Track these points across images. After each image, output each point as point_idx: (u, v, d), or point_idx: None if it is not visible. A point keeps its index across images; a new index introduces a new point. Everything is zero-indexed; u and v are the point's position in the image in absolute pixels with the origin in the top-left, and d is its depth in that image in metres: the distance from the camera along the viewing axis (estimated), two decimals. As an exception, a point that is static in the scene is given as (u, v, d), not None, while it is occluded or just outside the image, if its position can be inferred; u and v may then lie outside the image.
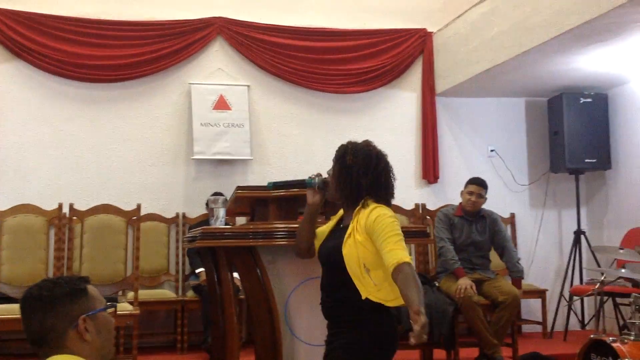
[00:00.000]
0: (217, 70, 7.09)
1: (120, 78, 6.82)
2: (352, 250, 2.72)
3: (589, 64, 6.30)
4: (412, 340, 2.34)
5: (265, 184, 3.38)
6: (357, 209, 2.80)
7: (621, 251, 5.44)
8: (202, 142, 6.84)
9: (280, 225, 3.28)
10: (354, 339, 2.75)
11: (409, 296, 2.45)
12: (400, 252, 2.58)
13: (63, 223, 5.91)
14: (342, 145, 2.91)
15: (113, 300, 5.08)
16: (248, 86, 7.08)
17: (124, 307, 5.05)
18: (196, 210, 6.77)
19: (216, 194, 6.31)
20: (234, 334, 3.39)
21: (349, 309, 2.78)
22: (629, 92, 7.08)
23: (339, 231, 2.90)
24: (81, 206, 5.87)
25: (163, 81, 6.96)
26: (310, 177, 3.00)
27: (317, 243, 3.03)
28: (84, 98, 6.77)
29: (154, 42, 6.88)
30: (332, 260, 2.84)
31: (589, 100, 7.15)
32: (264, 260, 3.28)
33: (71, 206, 5.62)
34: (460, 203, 5.70)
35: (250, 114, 7.02)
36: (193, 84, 6.95)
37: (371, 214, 2.73)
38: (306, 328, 3.29)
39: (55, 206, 5.98)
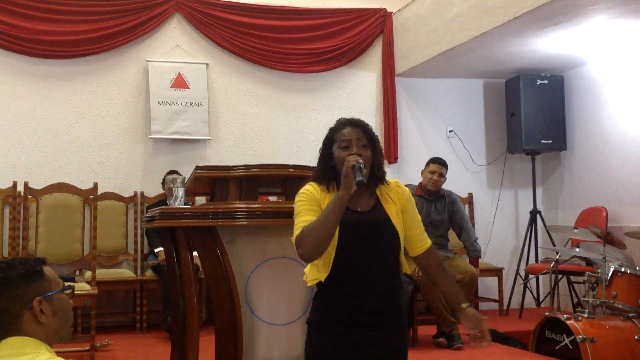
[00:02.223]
0: (175, 48, 6.99)
1: (76, 54, 6.69)
2: (400, 228, 2.48)
3: (546, 46, 6.38)
4: (483, 344, 2.53)
5: (223, 163, 3.36)
6: (379, 186, 2.52)
7: (575, 231, 5.56)
8: (159, 121, 6.76)
9: (240, 205, 3.27)
10: (404, 334, 2.61)
11: (456, 287, 2.63)
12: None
13: (18, 202, 5.79)
14: (365, 123, 2.53)
15: (70, 279, 5.02)
16: (207, 64, 7.01)
17: (82, 287, 4.99)
18: (154, 190, 6.71)
19: (171, 172, 6.26)
20: (194, 313, 3.38)
21: (395, 298, 2.51)
22: (584, 75, 7.19)
23: (359, 213, 2.46)
24: (36, 185, 5.76)
25: (120, 58, 6.85)
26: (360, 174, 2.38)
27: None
28: (39, 74, 6.62)
29: (110, 17, 6.75)
30: (391, 243, 2.44)
31: (546, 82, 7.25)
32: (224, 241, 3.26)
33: (26, 185, 5.51)
34: (420, 182, 5.75)
35: (209, 93, 6.96)
36: (150, 61, 6.85)
37: (402, 189, 2.55)
38: (266, 308, 3.30)
39: (10, 184, 5.86)
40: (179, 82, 6.85)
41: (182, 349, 3.64)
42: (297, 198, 2.47)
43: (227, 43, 7.05)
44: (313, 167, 3.49)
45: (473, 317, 2.55)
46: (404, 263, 2.50)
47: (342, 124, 2.52)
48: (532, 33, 5.97)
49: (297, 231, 2.37)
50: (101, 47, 6.73)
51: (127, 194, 6.70)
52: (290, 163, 3.63)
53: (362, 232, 2.41)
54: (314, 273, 2.45)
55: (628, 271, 4.88)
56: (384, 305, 2.46)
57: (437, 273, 2.60)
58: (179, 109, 6.81)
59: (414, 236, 2.55)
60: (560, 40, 6.18)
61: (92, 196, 5.48)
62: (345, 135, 2.47)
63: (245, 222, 3.21)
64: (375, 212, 2.46)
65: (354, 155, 2.39)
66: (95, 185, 5.48)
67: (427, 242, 2.59)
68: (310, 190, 2.48)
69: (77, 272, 6.06)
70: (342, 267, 2.39)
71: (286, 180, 3.49)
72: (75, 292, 2.09)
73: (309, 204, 2.44)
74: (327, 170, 2.49)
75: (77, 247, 5.89)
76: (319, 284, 2.44)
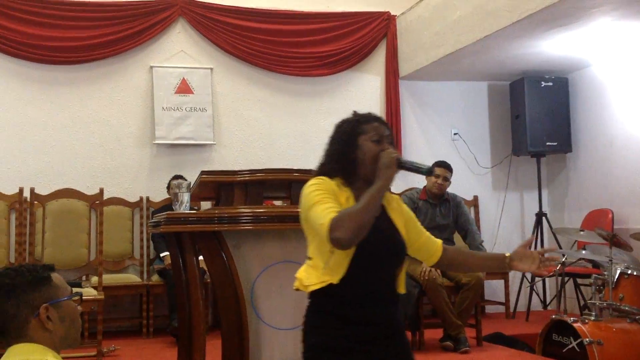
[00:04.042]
0: (179, 53, 7.01)
1: (81, 60, 6.71)
2: (405, 239, 2.42)
3: (550, 48, 6.37)
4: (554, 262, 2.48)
5: (228, 168, 3.36)
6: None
7: (582, 233, 5.55)
8: (164, 127, 6.78)
9: (245, 209, 3.28)
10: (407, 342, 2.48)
11: (487, 254, 2.77)
12: None
13: (24, 207, 5.80)
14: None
15: (76, 285, 5.03)
16: (211, 69, 7.02)
17: (88, 292, 5.00)
18: (160, 194, 6.72)
19: (176, 177, 6.27)
20: (200, 318, 3.38)
21: (398, 306, 2.41)
22: (589, 76, 7.18)
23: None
24: (42, 190, 5.78)
25: (124, 63, 6.86)
26: (425, 166, 2.40)
27: None
28: (45, 80, 6.65)
29: (114, 23, 6.77)
30: (400, 249, 2.39)
31: (550, 84, 7.24)
32: (229, 245, 3.27)
33: (32, 190, 5.53)
34: (425, 186, 5.74)
35: (213, 98, 6.97)
36: (155, 66, 6.87)
37: (397, 198, 2.50)
38: (272, 312, 3.30)
39: (16, 190, 5.86)
40: (183, 88, 6.87)
41: (188, 354, 3.65)
42: (309, 189, 2.30)
43: (231, 47, 7.07)
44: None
45: (522, 256, 2.44)
46: (402, 281, 2.40)
47: (369, 117, 2.44)
48: (536, 35, 5.96)
49: (330, 214, 2.17)
50: (106, 53, 6.75)
51: (133, 199, 6.71)
52: (295, 167, 3.64)
53: (378, 234, 2.27)
54: (319, 276, 2.27)
55: (635, 273, 4.86)
56: (393, 315, 2.37)
57: (463, 258, 2.57)
58: (184, 114, 6.83)
59: (425, 241, 2.50)
60: (564, 42, 6.17)
61: (98, 201, 5.50)
62: (377, 129, 2.39)
63: (250, 227, 3.21)
64: (385, 218, 2.38)
65: (391, 150, 2.33)
66: (101, 190, 5.49)
67: (438, 240, 2.55)
68: (324, 180, 2.34)
69: (84, 278, 6.07)
70: (361, 268, 2.26)
71: (291, 184, 3.50)
72: (82, 298, 2.10)
73: (328, 193, 2.28)
74: (347, 162, 2.36)
75: (84, 253, 5.89)
76: (329, 287, 2.25)
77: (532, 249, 2.56)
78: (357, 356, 2.26)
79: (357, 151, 2.36)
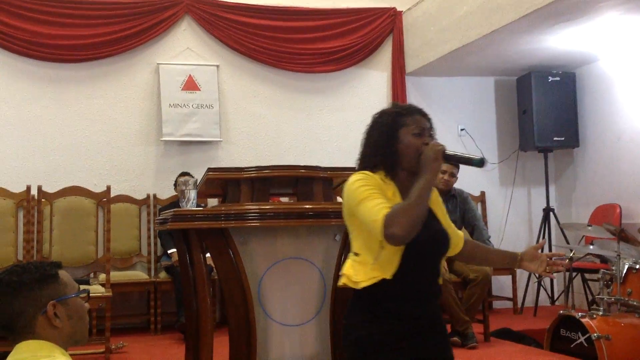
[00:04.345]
0: (185, 50, 7.02)
1: (87, 58, 6.72)
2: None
3: (558, 42, 6.35)
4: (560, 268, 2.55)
5: (235, 164, 3.36)
6: None
7: (589, 228, 5.53)
8: (171, 124, 6.79)
9: (252, 206, 3.27)
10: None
11: (501, 250, 2.69)
12: None
13: (32, 205, 5.82)
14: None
15: (84, 282, 5.06)
16: (217, 66, 7.02)
17: (96, 289, 5.01)
18: (167, 192, 6.73)
19: (183, 174, 6.28)
20: (207, 314, 3.38)
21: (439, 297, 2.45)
22: (596, 71, 7.15)
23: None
24: (50, 188, 5.80)
25: (131, 61, 6.88)
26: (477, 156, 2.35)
27: None
28: (51, 78, 6.67)
29: (121, 21, 6.78)
30: (445, 241, 2.40)
31: (557, 79, 7.21)
32: (236, 242, 3.27)
33: (39, 188, 5.55)
34: (431, 182, 5.72)
35: (220, 95, 6.98)
36: (161, 64, 6.88)
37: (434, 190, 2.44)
38: (280, 309, 3.30)
39: (23, 188, 5.89)
40: (190, 85, 6.87)
41: (196, 350, 3.65)
42: (356, 184, 2.27)
43: (237, 44, 7.07)
44: (325, 168, 3.52)
45: (533, 257, 2.49)
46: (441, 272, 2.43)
47: (409, 109, 2.41)
48: (543, 30, 5.94)
49: (382, 211, 2.16)
50: (112, 51, 6.76)
51: (140, 196, 6.73)
52: (301, 164, 3.64)
53: (425, 227, 2.23)
54: (368, 272, 2.25)
55: (643, 268, 4.85)
56: (436, 308, 2.40)
57: (481, 252, 2.60)
58: (190, 111, 6.83)
59: (452, 232, 2.48)
60: (571, 36, 6.15)
61: (105, 199, 5.51)
62: (418, 121, 2.37)
63: (257, 224, 3.21)
64: (429, 211, 2.31)
65: (436, 142, 2.31)
66: (108, 188, 5.51)
67: (460, 232, 2.54)
68: (369, 175, 2.30)
69: (92, 275, 6.09)
70: (411, 263, 2.25)
71: (297, 181, 3.49)
72: (90, 295, 2.10)
73: (375, 188, 2.25)
74: (389, 155, 2.33)
75: (91, 250, 5.92)
76: (380, 283, 2.23)
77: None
78: (406, 348, 2.27)
79: (398, 144, 2.33)
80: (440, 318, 2.41)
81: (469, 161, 2.35)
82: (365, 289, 2.26)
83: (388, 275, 2.23)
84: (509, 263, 2.57)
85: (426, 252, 2.30)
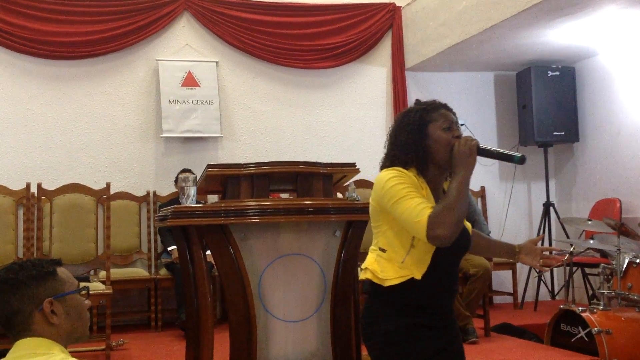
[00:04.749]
0: (184, 47, 7.00)
1: (86, 55, 6.71)
2: None
3: (557, 37, 6.34)
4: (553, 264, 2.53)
5: (235, 161, 3.35)
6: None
7: (589, 222, 5.53)
8: (171, 120, 6.78)
9: (251, 202, 3.27)
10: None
11: (499, 242, 2.70)
12: None
13: (31, 203, 5.83)
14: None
15: (85, 279, 5.05)
16: (217, 62, 7.01)
17: (96, 287, 5.01)
18: (167, 188, 6.73)
19: (184, 170, 6.28)
20: (208, 311, 3.39)
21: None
22: (595, 65, 7.14)
23: None
24: (49, 185, 5.79)
25: (130, 58, 6.86)
26: (519, 154, 2.32)
27: None
28: (50, 76, 6.65)
29: (119, 17, 6.77)
30: (468, 237, 2.41)
31: (557, 73, 7.21)
32: (236, 238, 3.27)
33: (39, 186, 5.54)
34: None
35: (220, 91, 6.96)
36: (160, 60, 6.87)
37: None
38: (280, 305, 3.30)
39: (23, 186, 5.90)
40: (190, 81, 6.86)
41: (196, 347, 3.65)
42: (392, 181, 2.24)
43: (236, 41, 7.06)
44: (324, 164, 3.51)
45: (530, 251, 2.52)
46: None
47: (435, 105, 2.39)
48: (543, 24, 5.93)
49: (425, 211, 2.15)
50: (111, 47, 6.75)
51: (140, 193, 6.72)
52: (301, 160, 3.63)
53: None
54: (397, 270, 2.25)
55: (643, 262, 4.85)
56: (452, 303, 2.43)
57: (485, 242, 2.61)
58: (190, 107, 6.82)
59: (469, 227, 2.49)
60: (571, 31, 6.14)
61: (105, 196, 5.51)
62: (446, 116, 2.35)
63: (257, 220, 3.21)
64: None
65: (469, 137, 2.29)
66: (108, 185, 5.50)
67: (467, 222, 2.51)
68: (404, 172, 2.27)
69: (92, 272, 6.09)
70: (440, 262, 2.25)
71: (297, 177, 3.49)
72: (90, 292, 2.10)
73: (413, 186, 2.23)
74: (419, 151, 2.30)
75: (91, 247, 5.91)
76: (409, 282, 2.23)
77: (540, 241, 2.60)
78: (431, 339, 2.28)
79: (428, 140, 2.32)
80: (453, 311, 2.43)
81: (508, 158, 2.32)
82: (390, 286, 2.26)
83: (418, 275, 2.24)
84: (507, 255, 2.58)
85: (453, 251, 2.30)
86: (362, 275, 2.35)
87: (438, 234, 2.13)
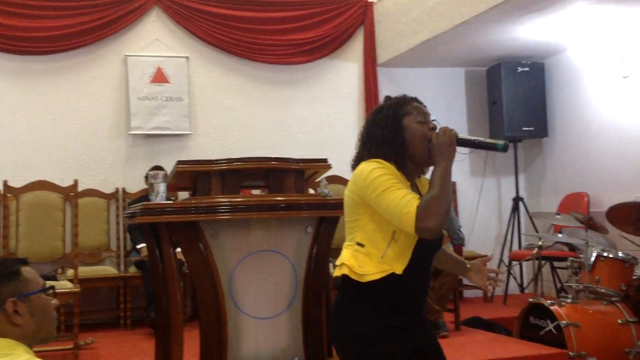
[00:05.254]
0: (154, 42, 6.93)
1: (54, 50, 6.61)
2: None
3: (527, 33, 6.39)
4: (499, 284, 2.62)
5: (206, 157, 3.33)
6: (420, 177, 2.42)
7: (558, 217, 5.59)
8: (139, 117, 6.71)
9: (222, 199, 3.24)
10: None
11: (455, 255, 2.69)
12: None
13: (-3, 201, 5.73)
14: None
15: (52, 278, 4.98)
16: (187, 58, 6.95)
17: (64, 285, 4.94)
18: (136, 185, 6.66)
19: (155, 167, 6.22)
20: (178, 309, 3.35)
21: None
22: (564, 61, 7.21)
23: None
24: (16, 183, 5.69)
25: (98, 53, 6.78)
26: (501, 141, 2.33)
27: None
28: (17, 71, 6.55)
29: (88, 12, 6.67)
30: (442, 237, 2.37)
31: (527, 69, 7.27)
32: (207, 235, 3.24)
33: (5, 183, 5.45)
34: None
35: (190, 86, 6.91)
36: (129, 55, 6.79)
37: (427, 180, 2.37)
38: (251, 302, 3.28)
39: (-11, 183, 5.80)
40: (159, 77, 6.79)
41: (166, 345, 3.61)
42: (375, 173, 2.19)
43: (207, 36, 7.00)
44: (296, 160, 3.49)
45: (479, 270, 2.57)
46: None
47: (407, 99, 2.39)
48: (513, 20, 5.97)
49: (413, 202, 2.11)
50: (79, 42, 6.66)
51: (109, 190, 6.65)
52: (273, 156, 3.61)
53: None
54: (376, 265, 2.20)
55: (610, 256, 4.91)
56: (425, 303, 2.43)
57: (442, 253, 2.55)
58: (159, 104, 6.76)
59: None
60: (540, 27, 6.19)
61: (72, 193, 5.43)
62: (419, 109, 2.36)
63: (228, 216, 3.18)
64: None
65: (447, 127, 2.29)
66: (76, 182, 5.43)
67: None
68: (386, 164, 2.23)
69: (60, 270, 6.00)
70: (419, 257, 2.23)
71: (269, 173, 3.47)
72: (57, 291, 2.07)
73: (396, 178, 2.19)
74: (397, 145, 2.27)
75: (59, 245, 5.81)
76: (389, 277, 2.20)
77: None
78: (408, 339, 2.26)
79: (405, 133, 2.30)
80: (424, 311, 2.44)
81: (491, 146, 2.31)
82: (369, 282, 2.21)
83: (399, 269, 2.21)
84: (458, 270, 2.62)
85: (430, 247, 2.29)
86: (337, 272, 2.30)
87: (427, 225, 2.09)
